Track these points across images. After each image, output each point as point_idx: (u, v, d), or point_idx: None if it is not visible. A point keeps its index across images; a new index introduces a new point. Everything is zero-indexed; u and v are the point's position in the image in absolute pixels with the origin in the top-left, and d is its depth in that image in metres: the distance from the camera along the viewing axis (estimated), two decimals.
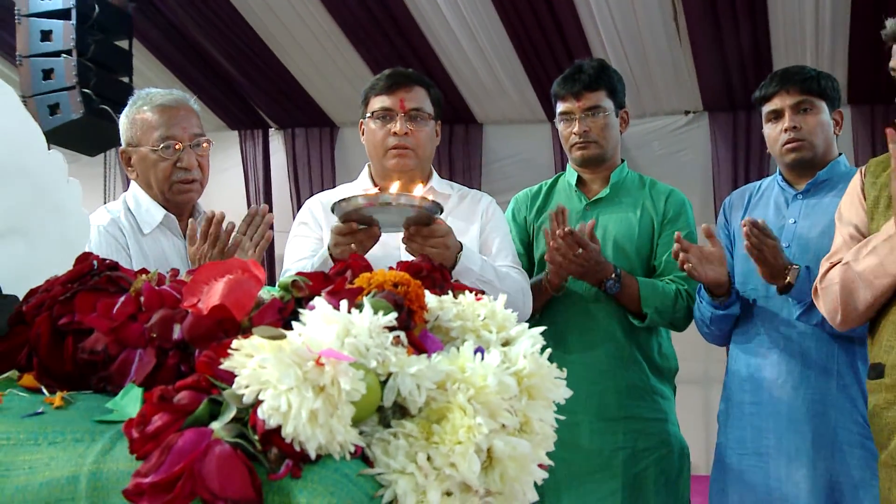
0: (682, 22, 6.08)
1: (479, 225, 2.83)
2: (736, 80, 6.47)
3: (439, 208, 2.30)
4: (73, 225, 1.22)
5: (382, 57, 6.53)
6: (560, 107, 3.13)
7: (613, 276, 2.89)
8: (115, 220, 2.66)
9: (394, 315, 0.90)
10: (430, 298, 1.04)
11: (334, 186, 7.09)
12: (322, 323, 0.86)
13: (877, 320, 2.36)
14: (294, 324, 0.87)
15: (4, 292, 1.13)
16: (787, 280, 2.68)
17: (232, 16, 6.10)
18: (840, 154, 2.95)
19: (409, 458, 0.83)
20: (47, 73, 5.38)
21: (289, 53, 6.51)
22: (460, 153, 7.05)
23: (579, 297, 3.00)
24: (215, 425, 0.80)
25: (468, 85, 6.67)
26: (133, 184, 2.77)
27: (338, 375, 0.80)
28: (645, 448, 2.95)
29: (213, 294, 0.93)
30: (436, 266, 1.11)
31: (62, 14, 5.39)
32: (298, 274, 1.01)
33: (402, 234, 2.43)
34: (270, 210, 2.59)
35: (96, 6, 5.47)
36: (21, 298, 1.12)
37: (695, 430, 3.24)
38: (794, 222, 2.87)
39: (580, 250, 2.77)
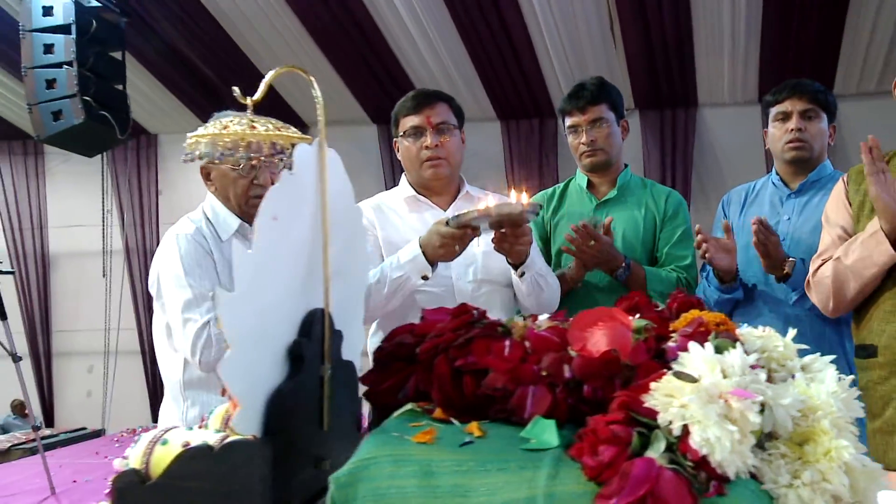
0: (617, 31, 6.26)
1: None
2: (663, 81, 6.67)
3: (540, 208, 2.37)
4: (361, 268, 1.27)
5: (348, 60, 6.55)
6: (568, 121, 3.20)
7: (624, 265, 3.00)
8: (199, 228, 2.65)
9: (757, 355, 1.00)
10: None
11: None
12: (702, 364, 0.94)
13: (863, 307, 2.50)
14: (681, 365, 0.94)
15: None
16: (785, 271, 2.83)
17: (213, 27, 6.04)
18: (826, 159, 3.07)
19: (793, 475, 0.92)
20: (50, 83, 5.27)
21: (263, 59, 6.48)
22: None
23: (588, 287, 3.10)
24: (652, 454, 0.88)
25: (425, 85, 6.70)
26: (209, 195, 2.77)
27: (745, 410, 0.89)
28: None
29: (599, 339, 1.00)
30: (647, 300, 1.20)
31: (63, 29, 5.27)
32: (641, 317, 1.08)
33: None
34: None
35: (94, 21, 5.37)
36: (342, 333, 1.17)
37: None
38: (789, 219, 2.99)
39: (592, 242, 2.87)
